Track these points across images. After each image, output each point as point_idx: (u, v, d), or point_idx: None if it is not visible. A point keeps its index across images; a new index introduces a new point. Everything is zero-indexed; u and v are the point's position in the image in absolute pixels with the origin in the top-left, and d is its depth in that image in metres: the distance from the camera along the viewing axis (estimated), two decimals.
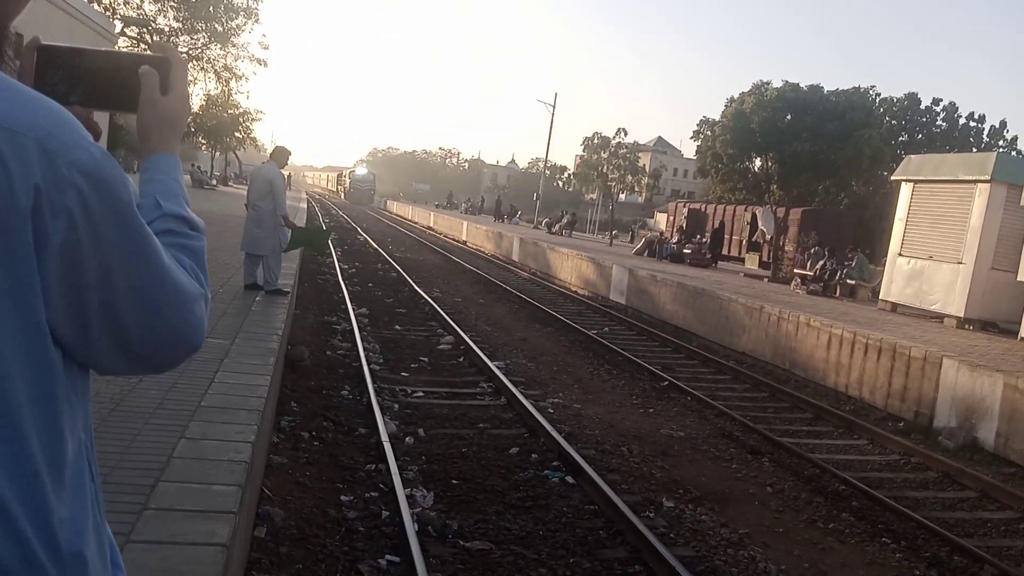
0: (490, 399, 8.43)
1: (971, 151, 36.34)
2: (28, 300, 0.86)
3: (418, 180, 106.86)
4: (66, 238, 0.86)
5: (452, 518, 5.23)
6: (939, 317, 13.91)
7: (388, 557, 4.57)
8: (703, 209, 35.33)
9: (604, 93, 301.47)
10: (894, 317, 13.93)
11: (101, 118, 1.12)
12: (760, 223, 28.06)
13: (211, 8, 32.40)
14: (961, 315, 13.37)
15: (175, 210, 1.07)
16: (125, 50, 1.35)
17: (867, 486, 6.62)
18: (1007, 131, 45.21)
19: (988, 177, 13.15)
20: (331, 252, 19.55)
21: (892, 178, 19.48)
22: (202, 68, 34.45)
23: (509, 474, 6.20)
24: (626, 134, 36.82)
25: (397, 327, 12.11)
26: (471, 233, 35.90)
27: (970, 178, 13.58)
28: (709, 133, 32.38)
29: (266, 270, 9.26)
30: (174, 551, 2.87)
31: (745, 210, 31.16)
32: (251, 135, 47.79)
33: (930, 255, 14.12)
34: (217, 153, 51.67)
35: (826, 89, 30.70)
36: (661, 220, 49.45)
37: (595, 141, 37.33)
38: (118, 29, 25.48)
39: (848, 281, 18.23)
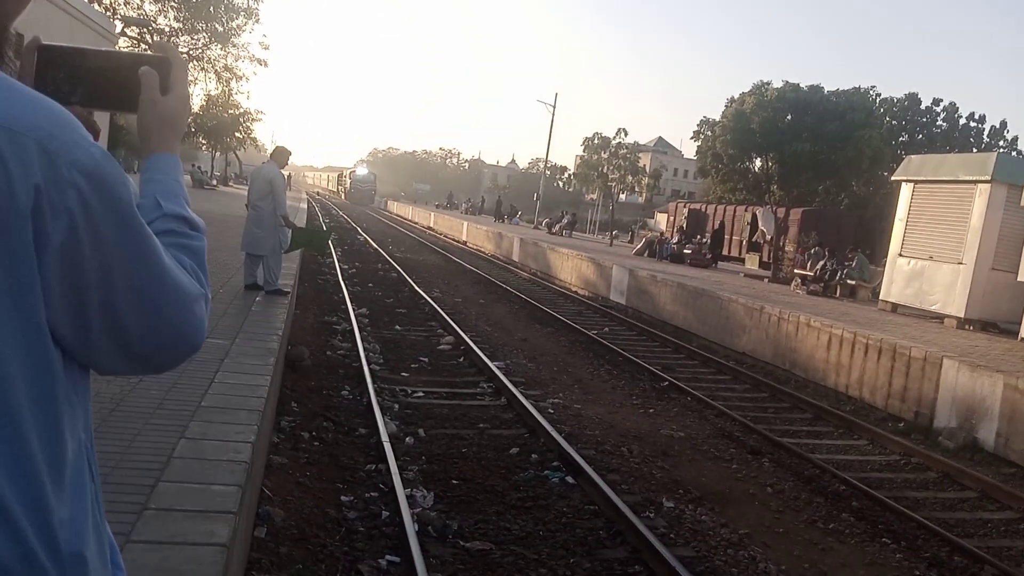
0: (490, 399, 8.43)
1: (971, 151, 36.31)
2: (28, 300, 0.86)
3: (418, 180, 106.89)
4: (66, 238, 0.86)
5: (452, 518, 5.23)
6: (939, 317, 13.91)
7: (388, 557, 4.57)
8: (703, 209, 35.32)
9: (604, 93, 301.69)
10: (894, 317, 13.93)
11: (101, 118, 1.12)
12: (760, 223, 28.05)
13: (211, 8, 32.40)
14: (961, 315, 13.37)
15: (175, 210, 1.07)
16: (126, 50, 1.35)
17: (867, 486, 6.62)
18: (1007, 131, 45.23)
19: (988, 177, 13.15)
20: (331, 252, 19.55)
21: (892, 178, 19.48)
22: (202, 68, 34.46)
23: (509, 474, 6.20)
24: (626, 134, 36.81)
25: (397, 327, 12.11)
26: (471, 233, 35.90)
27: (970, 178, 13.58)
28: (709, 133, 32.35)
29: (266, 270, 9.26)
30: (174, 551, 2.87)
31: (745, 210, 31.15)
32: (251, 135, 47.81)
33: (930, 255, 14.12)
34: (217, 153, 51.70)
35: (826, 89, 30.65)
36: (661, 220, 49.45)
37: (595, 141, 37.30)
38: (119, 29, 25.47)
39: (848, 281, 18.23)
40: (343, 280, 16.24)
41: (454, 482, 5.93)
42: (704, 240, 28.33)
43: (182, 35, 32.52)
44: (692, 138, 33.97)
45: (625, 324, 15.11)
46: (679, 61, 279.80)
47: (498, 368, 9.40)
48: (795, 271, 20.89)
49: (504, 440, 7.03)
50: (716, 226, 31.03)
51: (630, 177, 37.50)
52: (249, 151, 55.77)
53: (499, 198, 52.58)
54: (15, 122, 0.83)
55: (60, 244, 0.86)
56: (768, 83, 31.09)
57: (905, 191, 15.05)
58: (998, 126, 44.80)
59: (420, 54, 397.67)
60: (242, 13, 33.88)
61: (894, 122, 41.91)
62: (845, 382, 10.70)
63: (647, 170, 41.40)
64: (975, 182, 13.43)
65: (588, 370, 10.61)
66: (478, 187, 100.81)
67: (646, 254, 25.92)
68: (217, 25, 33.21)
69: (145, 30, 29.84)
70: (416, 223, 50.86)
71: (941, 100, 43.50)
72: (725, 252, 29.67)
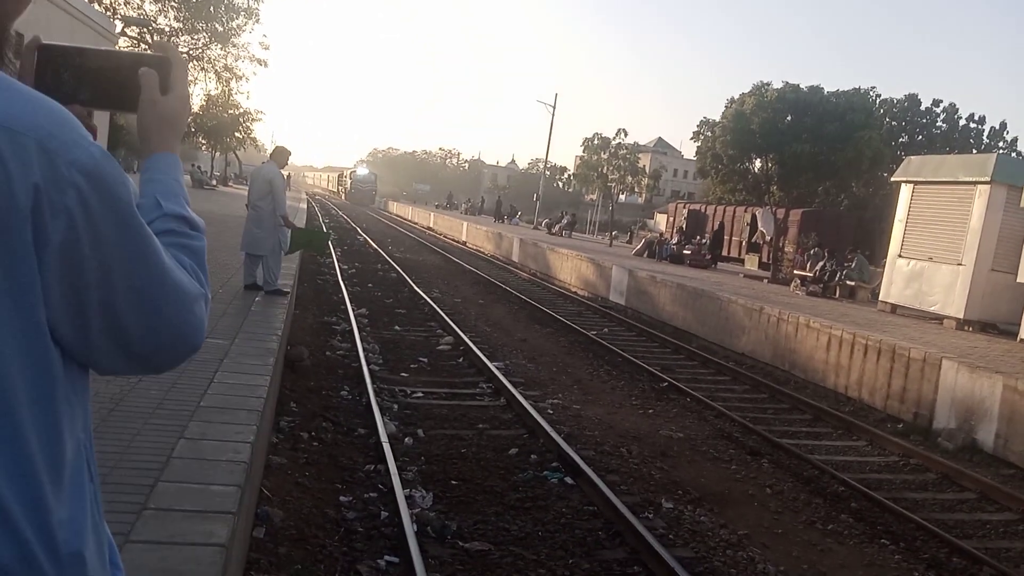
0: (489, 400, 8.42)
1: (971, 152, 36.37)
2: (28, 300, 0.86)
3: (418, 180, 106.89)
4: (66, 238, 0.86)
5: (451, 519, 5.23)
6: (939, 318, 13.91)
7: (387, 558, 4.57)
8: (703, 210, 35.31)
9: (604, 93, 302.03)
10: (894, 318, 13.93)
11: (101, 118, 1.12)
12: (760, 224, 28.05)
13: (211, 8, 32.44)
14: (961, 316, 13.37)
15: (175, 210, 1.07)
16: (126, 50, 1.34)
17: (866, 487, 6.62)
18: (1007, 132, 45.37)
19: (988, 178, 13.16)
20: (331, 252, 19.55)
21: (892, 179, 19.49)
22: (202, 68, 34.50)
23: (508, 475, 6.19)
24: (626, 135, 36.91)
25: (397, 327, 12.11)
26: (471, 234, 35.90)
27: (970, 179, 13.59)
28: (709, 134, 32.40)
29: (266, 270, 9.26)
30: (173, 551, 2.87)
31: (745, 211, 31.16)
32: (251, 135, 47.81)
33: (930, 256, 14.13)
34: (217, 153, 51.68)
35: (826, 90, 30.75)
36: (661, 221, 49.39)
37: (595, 142, 37.37)
38: (119, 29, 25.49)
39: (848, 282, 18.23)
40: (343, 280, 16.24)
41: (453, 482, 5.93)
42: (704, 241, 28.33)
43: (182, 35, 32.56)
44: (692, 139, 34.06)
45: (624, 325, 15.11)
46: (679, 61, 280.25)
47: (497, 368, 9.40)
48: (795, 272, 20.89)
49: (503, 441, 7.03)
50: (716, 227, 31.02)
51: (630, 178, 37.57)
52: (249, 151, 55.77)
53: (499, 198, 52.56)
54: (15, 122, 0.83)
55: (60, 244, 0.86)
56: (768, 84, 31.18)
57: (905, 192, 15.06)
58: (998, 127, 44.97)
59: (420, 54, 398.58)
60: (242, 13, 33.95)
61: (894, 123, 41.97)
62: (844, 383, 10.70)
63: (647, 171, 41.48)
64: (975, 183, 13.43)
65: (587, 371, 10.61)
66: (478, 187, 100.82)
67: (646, 255, 25.92)
68: (217, 25, 33.24)
69: (145, 30, 29.85)
70: (416, 223, 50.86)
71: (941, 101, 43.64)
72: (725, 253, 29.65)
